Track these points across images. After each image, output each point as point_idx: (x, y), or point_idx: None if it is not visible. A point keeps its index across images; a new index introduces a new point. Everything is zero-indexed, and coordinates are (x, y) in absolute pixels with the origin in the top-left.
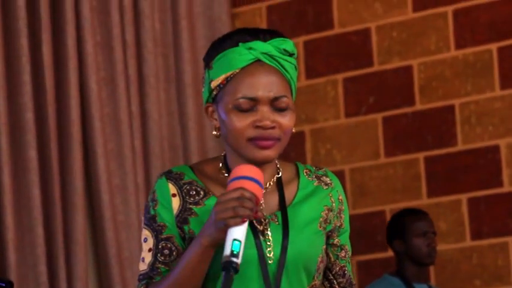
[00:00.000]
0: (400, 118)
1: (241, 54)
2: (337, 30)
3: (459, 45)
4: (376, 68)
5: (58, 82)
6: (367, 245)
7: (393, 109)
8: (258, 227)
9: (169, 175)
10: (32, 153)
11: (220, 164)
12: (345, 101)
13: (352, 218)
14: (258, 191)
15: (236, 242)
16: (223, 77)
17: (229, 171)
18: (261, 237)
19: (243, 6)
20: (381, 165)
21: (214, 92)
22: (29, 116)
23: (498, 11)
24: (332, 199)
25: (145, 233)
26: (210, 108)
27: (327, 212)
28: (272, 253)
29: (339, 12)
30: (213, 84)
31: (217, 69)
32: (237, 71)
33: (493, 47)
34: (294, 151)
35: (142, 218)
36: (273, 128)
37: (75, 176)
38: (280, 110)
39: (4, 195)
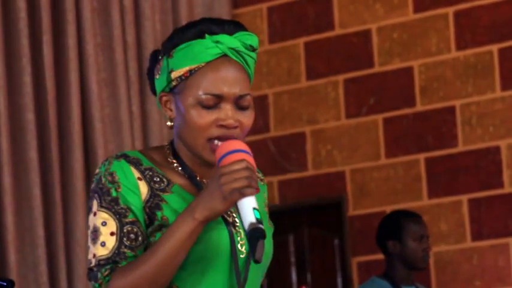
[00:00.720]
0: (401, 119)
1: (208, 48)
2: (337, 31)
3: (460, 47)
4: (376, 69)
5: (59, 83)
6: (368, 246)
7: (394, 110)
8: (228, 218)
9: (127, 158)
10: (33, 154)
11: (168, 154)
12: (345, 102)
13: (353, 219)
14: (254, 163)
15: (256, 211)
16: (186, 69)
17: (179, 161)
18: (232, 229)
19: (244, 8)
20: (381, 166)
21: (174, 83)
22: (30, 116)
23: (499, 12)
24: (265, 195)
25: (103, 216)
26: (165, 98)
27: (267, 208)
28: (244, 247)
29: (340, 13)
30: (174, 74)
31: (180, 60)
32: (203, 64)
33: (494, 48)
34: (294, 152)
35: (94, 202)
36: (235, 127)
37: (76, 176)
38: (243, 108)
39: (5, 195)
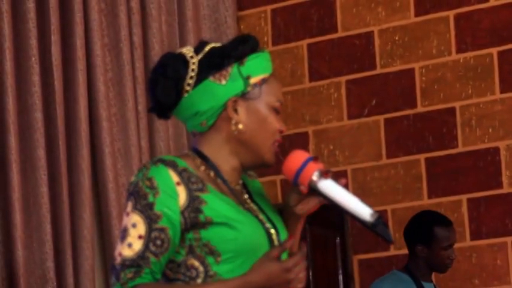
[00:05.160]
0: (402, 120)
1: (269, 60)
2: (340, 33)
3: (460, 49)
4: (378, 70)
5: (66, 82)
6: (369, 244)
7: (395, 111)
8: (258, 215)
9: (164, 162)
10: (41, 152)
11: (196, 161)
12: (347, 103)
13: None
14: (322, 166)
15: (363, 202)
16: (262, 77)
17: (210, 165)
18: (266, 224)
19: (249, 10)
20: (382, 166)
21: (249, 89)
22: (38, 115)
23: (499, 16)
24: (262, 189)
25: (136, 218)
26: (235, 103)
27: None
28: (275, 236)
29: (343, 16)
30: (253, 80)
31: (255, 68)
32: (269, 74)
33: (494, 51)
34: None
35: (130, 202)
36: None
37: (83, 174)
38: None
39: (13, 193)
